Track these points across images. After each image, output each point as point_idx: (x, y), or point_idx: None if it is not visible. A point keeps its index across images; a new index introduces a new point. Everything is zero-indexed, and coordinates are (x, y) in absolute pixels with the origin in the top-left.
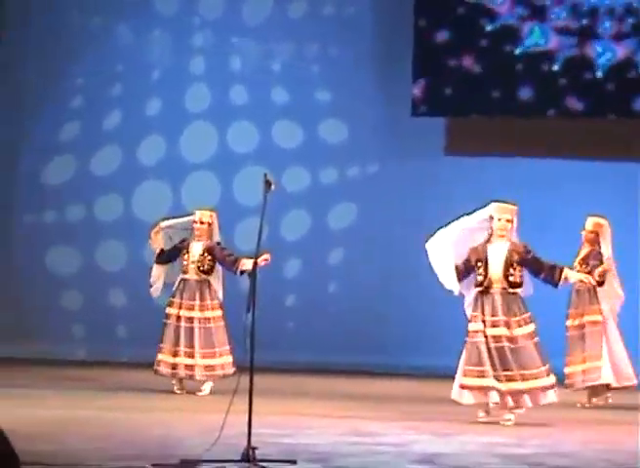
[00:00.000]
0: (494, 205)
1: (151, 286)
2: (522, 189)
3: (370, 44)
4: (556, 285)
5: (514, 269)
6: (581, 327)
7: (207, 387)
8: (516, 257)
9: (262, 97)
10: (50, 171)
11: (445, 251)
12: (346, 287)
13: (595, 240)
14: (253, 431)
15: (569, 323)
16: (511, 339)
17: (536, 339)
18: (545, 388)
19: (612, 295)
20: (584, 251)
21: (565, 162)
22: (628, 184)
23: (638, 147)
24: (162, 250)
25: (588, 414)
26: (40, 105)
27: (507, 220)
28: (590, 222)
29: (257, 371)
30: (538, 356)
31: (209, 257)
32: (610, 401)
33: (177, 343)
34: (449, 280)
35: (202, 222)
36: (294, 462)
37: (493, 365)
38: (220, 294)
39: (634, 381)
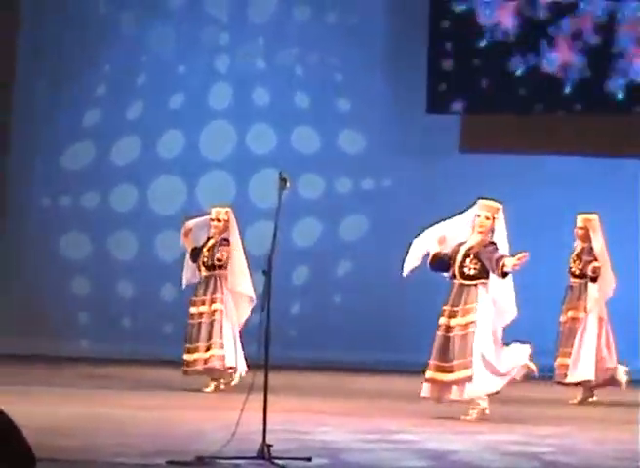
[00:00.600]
0: (479, 202)
1: (186, 284)
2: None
3: (384, 41)
4: (500, 275)
5: (470, 261)
6: (569, 322)
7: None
8: (474, 250)
9: (284, 99)
10: (70, 156)
11: (423, 241)
12: (358, 284)
13: (587, 236)
14: (268, 428)
15: (561, 318)
16: (449, 328)
17: (471, 330)
18: (469, 379)
19: (605, 289)
20: (578, 247)
21: (581, 160)
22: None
23: None
24: (194, 248)
25: (599, 412)
26: (65, 90)
27: (486, 218)
28: (580, 219)
29: (271, 369)
30: (467, 346)
31: (214, 251)
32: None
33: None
34: (406, 264)
35: (218, 220)
36: (309, 459)
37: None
38: (241, 288)
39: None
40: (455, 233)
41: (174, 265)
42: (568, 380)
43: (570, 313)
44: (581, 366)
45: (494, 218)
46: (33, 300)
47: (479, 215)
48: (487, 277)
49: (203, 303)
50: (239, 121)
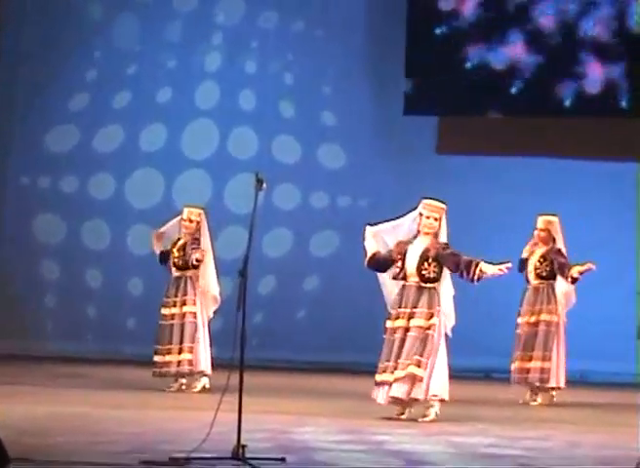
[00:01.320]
0: (423, 202)
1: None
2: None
3: (363, 42)
4: (472, 280)
5: (429, 265)
6: (535, 325)
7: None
8: (432, 253)
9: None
10: (53, 137)
11: (373, 235)
12: (331, 283)
13: (549, 237)
14: (242, 429)
15: (521, 320)
16: (407, 329)
17: (431, 332)
18: (420, 380)
19: (568, 294)
20: (540, 249)
21: (559, 161)
22: (623, 185)
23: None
24: (162, 251)
25: (568, 414)
26: (53, 73)
27: (435, 219)
28: (541, 221)
29: (247, 369)
30: (422, 347)
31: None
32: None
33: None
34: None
35: (190, 221)
36: (283, 460)
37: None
38: (211, 289)
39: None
40: (397, 232)
41: (144, 259)
42: (550, 385)
43: (543, 316)
44: (562, 371)
45: (440, 219)
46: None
47: (428, 217)
48: (440, 280)
49: (174, 304)
50: (223, 122)
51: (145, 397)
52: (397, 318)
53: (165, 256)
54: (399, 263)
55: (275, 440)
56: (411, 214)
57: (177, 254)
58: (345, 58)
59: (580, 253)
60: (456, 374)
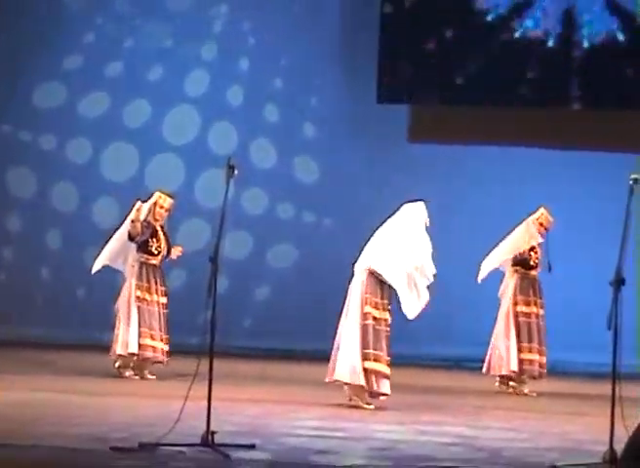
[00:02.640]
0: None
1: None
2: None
3: (337, 31)
4: None
5: None
6: (528, 316)
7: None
8: None
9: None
10: (40, 94)
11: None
12: (307, 275)
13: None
14: (212, 416)
15: (525, 309)
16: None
17: (388, 329)
18: (386, 376)
19: None
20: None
21: (528, 150)
22: (591, 175)
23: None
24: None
25: (542, 403)
26: (52, 30)
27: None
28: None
29: (216, 356)
30: (386, 344)
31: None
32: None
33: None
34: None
35: (167, 210)
36: (252, 446)
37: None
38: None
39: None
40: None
41: (105, 232)
42: (543, 377)
43: (533, 309)
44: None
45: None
46: None
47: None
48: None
49: (155, 291)
50: (208, 113)
51: (114, 383)
52: (383, 309)
53: (144, 242)
54: None
55: (244, 426)
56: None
57: (162, 244)
58: (318, 45)
59: (555, 244)
60: (426, 363)
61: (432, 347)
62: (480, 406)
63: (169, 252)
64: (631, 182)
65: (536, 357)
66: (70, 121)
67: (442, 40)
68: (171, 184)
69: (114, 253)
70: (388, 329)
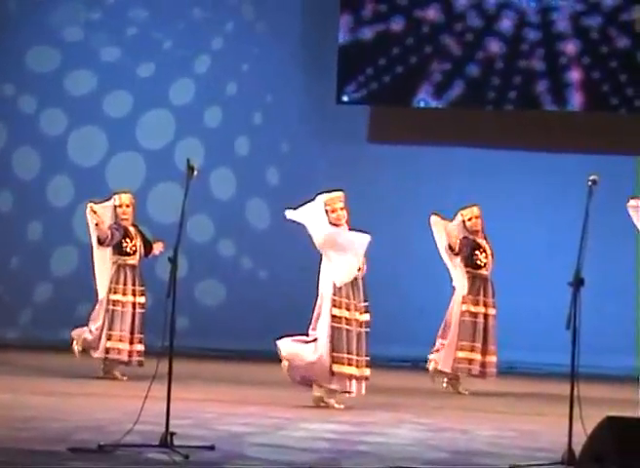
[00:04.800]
0: (324, 200)
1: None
2: (442, 178)
3: (297, 30)
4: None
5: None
6: (474, 315)
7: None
8: None
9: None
10: (34, 56)
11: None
12: (268, 275)
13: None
14: (171, 417)
15: (472, 308)
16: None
17: (368, 329)
18: (366, 379)
19: None
20: (475, 238)
21: (485, 151)
22: (551, 176)
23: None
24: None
25: (501, 403)
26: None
27: (341, 208)
28: (478, 210)
29: (176, 357)
30: (365, 345)
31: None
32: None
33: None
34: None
35: (127, 205)
36: (212, 448)
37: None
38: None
39: None
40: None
41: (57, 210)
42: (488, 377)
43: (489, 310)
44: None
45: (346, 206)
46: None
47: (333, 210)
48: None
49: (130, 292)
50: (187, 122)
51: (72, 384)
52: (347, 308)
53: (119, 244)
54: None
55: (204, 428)
56: (310, 212)
57: (137, 243)
58: (278, 45)
59: (516, 242)
60: (384, 364)
61: (391, 348)
62: (439, 406)
63: (150, 249)
64: (590, 184)
65: (477, 356)
66: (54, 90)
67: (402, 42)
68: (129, 184)
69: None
70: (361, 329)
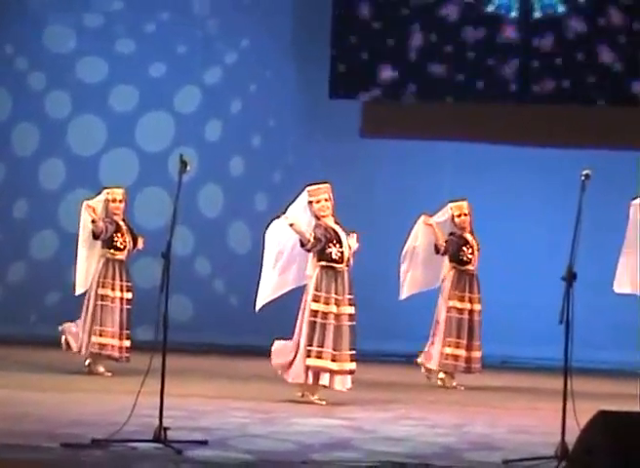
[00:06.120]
0: (307, 190)
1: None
2: (434, 173)
3: (289, 26)
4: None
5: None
6: (460, 311)
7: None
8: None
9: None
10: (52, 36)
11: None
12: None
13: (469, 223)
14: (165, 412)
15: (458, 304)
16: (346, 317)
17: (353, 323)
18: (350, 372)
19: None
20: (463, 234)
21: (480, 146)
22: (547, 172)
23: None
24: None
25: (494, 398)
26: None
27: (326, 200)
28: (466, 206)
29: (170, 352)
30: (350, 339)
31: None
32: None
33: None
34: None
35: (120, 201)
36: (205, 443)
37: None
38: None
39: None
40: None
41: (47, 193)
42: (473, 373)
43: (475, 306)
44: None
45: (331, 197)
46: None
47: (319, 201)
48: None
49: (119, 288)
50: (187, 129)
51: (65, 379)
52: (325, 302)
53: (110, 238)
54: (336, 249)
55: (198, 423)
56: (297, 206)
57: (128, 239)
58: (271, 40)
59: (508, 236)
60: (378, 359)
61: (386, 343)
62: (432, 401)
63: (135, 243)
64: (583, 178)
65: (462, 352)
66: (66, 74)
67: (397, 37)
68: (119, 182)
69: (86, 273)
70: (345, 322)
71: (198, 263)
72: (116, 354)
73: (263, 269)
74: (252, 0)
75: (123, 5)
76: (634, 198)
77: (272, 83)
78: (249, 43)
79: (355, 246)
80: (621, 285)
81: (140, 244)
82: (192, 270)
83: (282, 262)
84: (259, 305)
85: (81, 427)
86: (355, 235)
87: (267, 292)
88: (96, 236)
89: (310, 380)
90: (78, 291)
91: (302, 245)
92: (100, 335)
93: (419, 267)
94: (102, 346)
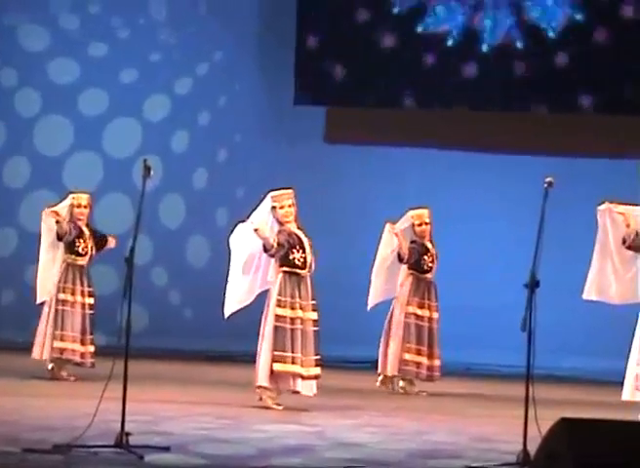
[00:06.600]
0: (271, 195)
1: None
2: (396, 178)
3: (254, 31)
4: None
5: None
6: (420, 318)
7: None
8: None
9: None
10: (25, 33)
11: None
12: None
13: (429, 231)
14: (128, 417)
15: (418, 311)
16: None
17: (317, 328)
18: (316, 377)
19: None
20: (421, 242)
21: (443, 153)
22: (508, 177)
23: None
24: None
25: (457, 404)
26: None
27: (289, 205)
28: (427, 214)
29: (132, 357)
30: (314, 344)
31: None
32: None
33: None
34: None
35: (85, 207)
36: (167, 448)
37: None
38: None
39: None
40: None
41: (14, 193)
42: (434, 380)
43: (434, 314)
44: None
45: (294, 203)
46: None
47: (282, 207)
48: None
49: (79, 293)
50: (154, 136)
51: (28, 384)
52: (291, 307)
53: (71, 242)
54: (299, 254)
55: (160, 428)
56: (260, 211)
57: (90, 244)
58: (236, 47)
59: (471, 241)
60: (343, 365)
61: (350, 349)
62: (395, 407)
63: (104, 243)
64: (546, 185)
65: (424, 360)
66: (38, 73)
67: (360, 45)
68: (82, 185)
69: (46, 282)
70: (309, 328)
71: (155, 273)
72: (77, 358)
73: (232, 274)
74: (218, 4)
75: (99, 8)
76: (601, 203)
77: (241, 96)
78: (222, 55)
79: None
80: (590, 293)
81: (112, 243)
82: (149, 280)
83: (251, 267)
84: (228, 312)
85: (43, 432)
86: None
87: (239, 297)
88: (59, 237)
89: (275, 385)
90: (39, 299)
91: (266, 250)
92: (61, 340)
93: (381, 276)
94: (62, 350)
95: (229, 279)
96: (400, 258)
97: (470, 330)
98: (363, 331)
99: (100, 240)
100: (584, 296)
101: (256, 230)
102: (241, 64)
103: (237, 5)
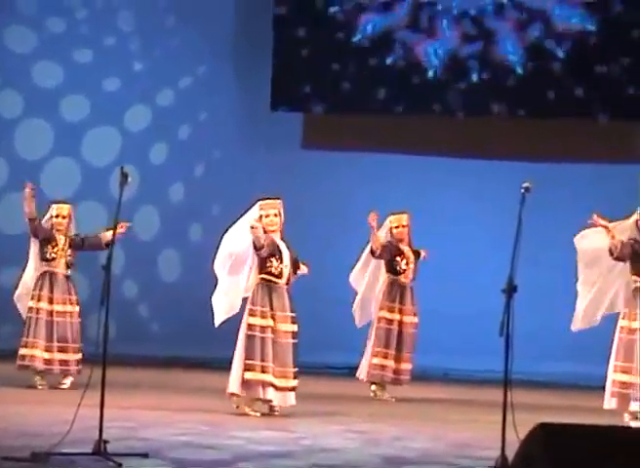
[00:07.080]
0: (259, 203)
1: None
2: (374, 184)
3: (231, 37)
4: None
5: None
6: (390, 322)
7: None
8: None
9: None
10: (10, 35)
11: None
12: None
13: (408, 235)
14: (105, 424)
15: (388, 315)
16: (289, 335)
17: (294, 341)
18: (292, 389)
19: None
20: (400, 246)
21: (423, 158)
22: (486, 182)
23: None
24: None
25: (435, 410)
26: None
27: (275, 215)
28: (406, 218)
29: (110, 365)
30: (292, 356)
31: (70, 251)
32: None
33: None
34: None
35: (63, 217)
36: (145, 455)
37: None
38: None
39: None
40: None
41: None
42: (402, 383)
43: (406, 318)
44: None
45: (281, 213)
46: None
47: (267, 216)
48: None
49: (51, 301)
50: (135, 147)
51: (5, 392)
52: (271, 317)
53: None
54: (277, 263)
55: (138, 435)
56: (247, 217)
57: (69, 253)
58: (213, 53)
59: (451, 248)
60: (321, 371)
61: (328, 355)
62: (372, 413)
63: (98, 246)
64: (523, 191)
65: (390, 363)
66: (22, 75)
67: (334, 49)
68: (59, 192)
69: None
70: (289, 340)
71: (125, 285)
72: (41, 365)
73: (221, 279)
74: (194, 12)
75: (86, 14)
76: (584, 228)
77: (220, 108)
78: (205, 68)
79: (305, 271)
80: (576, 324)
81: (123, 228)
82: (119, 291)
83: (237, 270)
84: (219, 320)
85: (22, 439)
86: (306, 268)
87: (227, 304)
88: (35, 235)
89: (246, 393)
90: (24, 316)
91: (256, 248)
92: (27, 346)
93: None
94: (24, 357)
95: (219, 284)
96: (372, 251)
97: (449, 335)
98: (341, 336)
99: (96, 240)
100: (573, 328)
101: (252, 227)
102: (220, 74)
103: (212, 13)
